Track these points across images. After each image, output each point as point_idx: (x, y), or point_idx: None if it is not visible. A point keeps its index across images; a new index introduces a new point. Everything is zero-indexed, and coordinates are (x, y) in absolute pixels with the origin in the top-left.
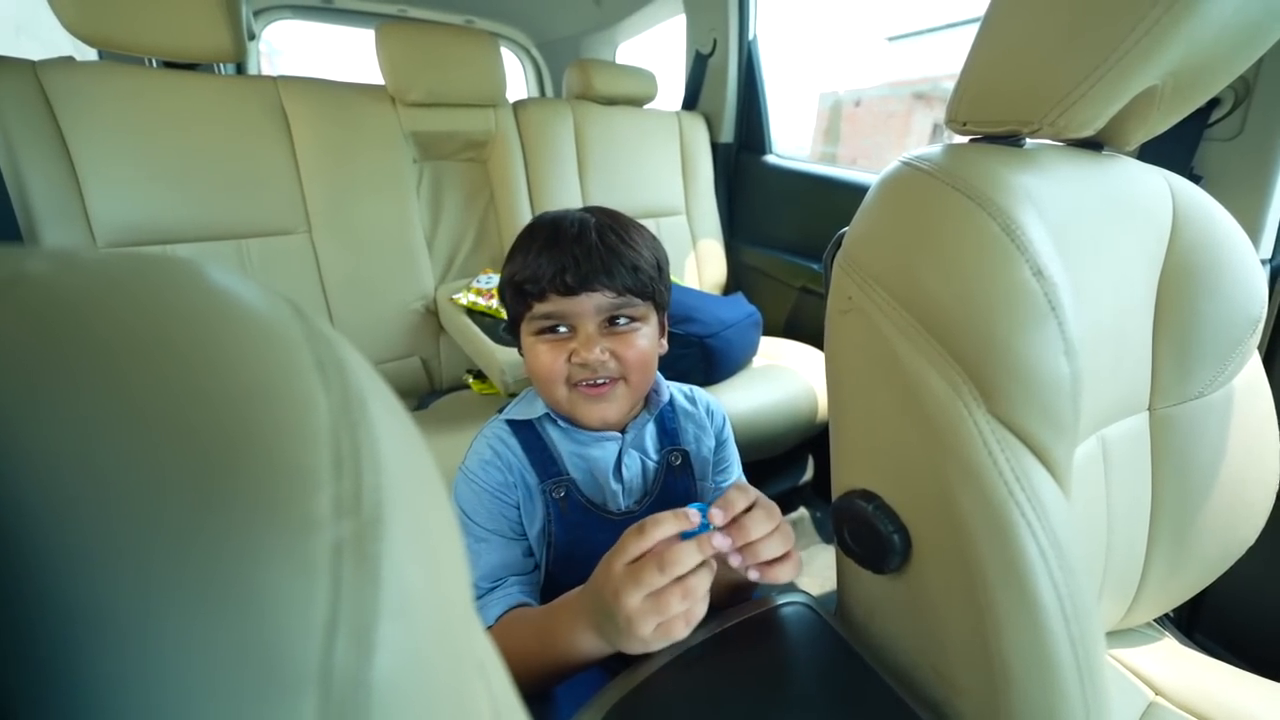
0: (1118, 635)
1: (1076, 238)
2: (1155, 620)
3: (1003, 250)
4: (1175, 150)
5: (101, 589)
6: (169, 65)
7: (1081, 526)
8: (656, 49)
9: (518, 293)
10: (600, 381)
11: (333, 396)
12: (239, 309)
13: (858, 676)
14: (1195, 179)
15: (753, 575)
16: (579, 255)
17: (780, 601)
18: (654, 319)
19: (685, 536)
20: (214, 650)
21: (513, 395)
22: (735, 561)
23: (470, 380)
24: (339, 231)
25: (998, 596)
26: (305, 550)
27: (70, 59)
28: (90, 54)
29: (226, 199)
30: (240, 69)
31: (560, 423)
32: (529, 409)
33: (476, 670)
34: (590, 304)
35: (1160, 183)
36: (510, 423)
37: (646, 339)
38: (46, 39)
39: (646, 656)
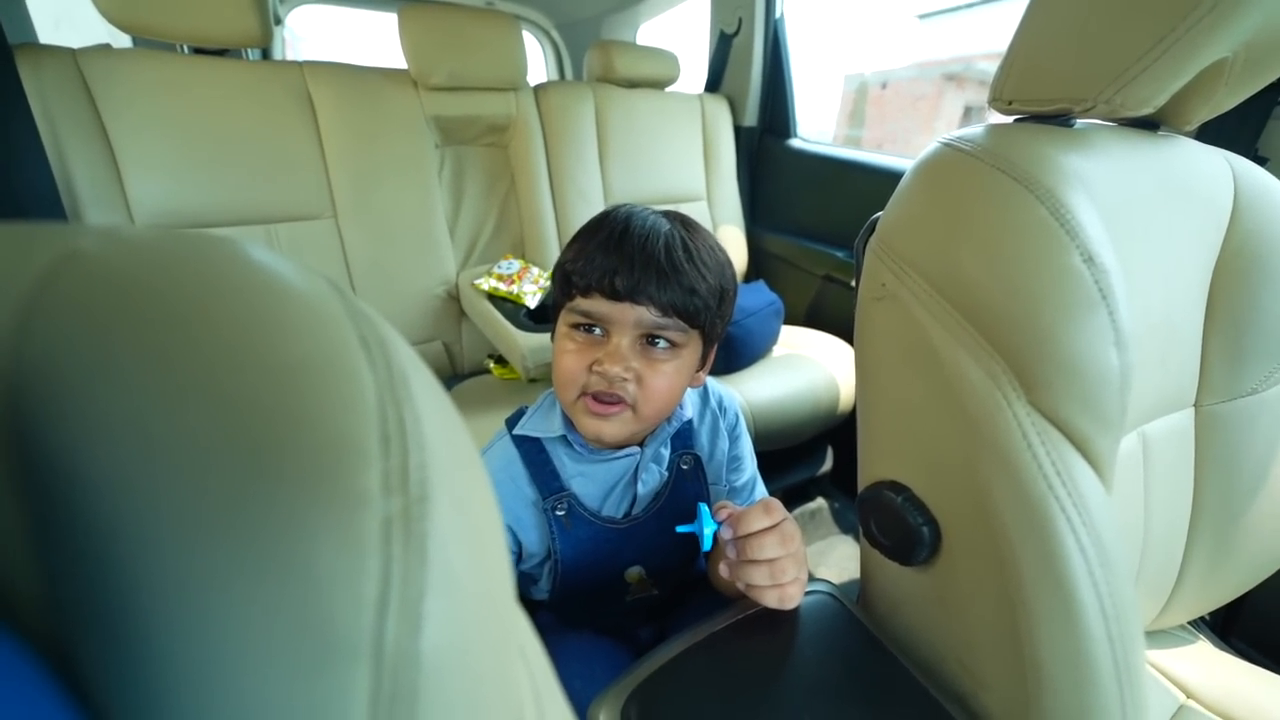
0: (1150, 636)
1: (1128, 223)
2: (1189, 623)
3: (1050, 235)
4: (1239, 130)
5: (155, 556)
6: (198, 52)
7: (1117, 524)
8: (676, 31)
9: (565, 280)
10: (611, 400)
11: (378, 373)
12: (282, 285)
13: (881, 666)
14: (1260, 161)
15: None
16: (637, 262)
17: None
18: (695, 349)
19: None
20: (270, 619)
21: (533, 381)
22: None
23: (491, 365)
24: (363, 216)
25: (1033, 593)
26: (357, 526)
27: (107, 46)
28: (124, 41)
29: (256, 183)
30: (266, 55)
31: (576, 447)
32: (543, 425)
33: (518, 652)
34: (632, 315)
35: (1221, 165)
36: (515, 438)
37: (678, 371)
38: (85, 30)
39: (670, 640)
